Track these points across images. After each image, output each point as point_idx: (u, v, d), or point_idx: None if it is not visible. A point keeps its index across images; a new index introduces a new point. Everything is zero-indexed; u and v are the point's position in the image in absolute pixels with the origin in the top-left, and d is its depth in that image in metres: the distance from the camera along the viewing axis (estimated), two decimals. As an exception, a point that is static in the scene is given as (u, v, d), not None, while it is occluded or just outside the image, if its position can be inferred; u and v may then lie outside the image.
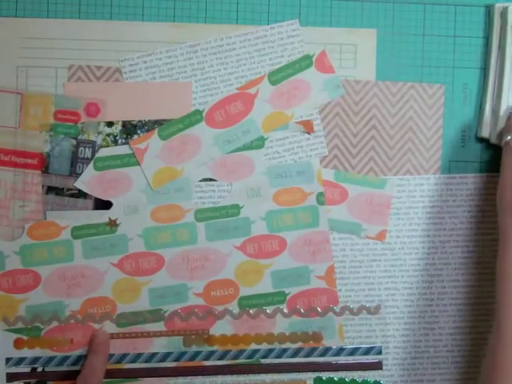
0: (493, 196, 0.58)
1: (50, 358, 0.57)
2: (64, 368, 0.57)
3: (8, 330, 0.57)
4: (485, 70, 0.59)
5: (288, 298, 0.58)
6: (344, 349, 0.58)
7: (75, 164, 0.57)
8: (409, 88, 0.59)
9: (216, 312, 0.58)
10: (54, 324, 0.57)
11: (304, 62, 0.58)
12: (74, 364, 0.57)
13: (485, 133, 0.58)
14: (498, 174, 0.58)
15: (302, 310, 0.58)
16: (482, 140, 0.59)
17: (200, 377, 0.58)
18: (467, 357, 0.59)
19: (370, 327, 0.58)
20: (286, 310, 0.58)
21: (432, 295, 0.59)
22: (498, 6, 0.58)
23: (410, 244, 0.58)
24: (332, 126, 0.58)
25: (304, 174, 0.58)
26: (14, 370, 0.57)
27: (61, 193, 0.57)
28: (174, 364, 0.58)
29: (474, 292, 0.59)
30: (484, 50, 0.59)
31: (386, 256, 0.58)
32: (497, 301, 0.49)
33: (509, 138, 0.48)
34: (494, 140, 0.57)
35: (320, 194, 0.58)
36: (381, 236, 0.58)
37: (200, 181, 0.58)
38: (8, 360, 0.57)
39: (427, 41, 0.59)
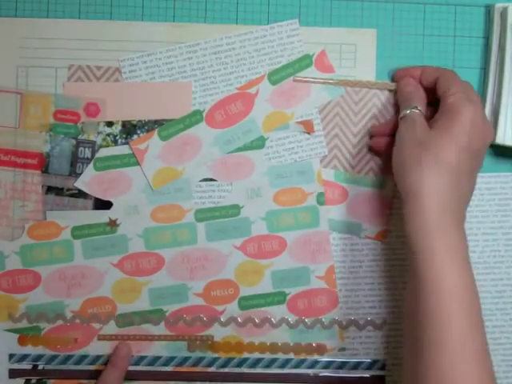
0: (493, 196, 0.58)
1: (53, 357, 0.57)
2: (65, 367, 0.57)
3: (8, 330, 0.57)
4: (485, 69, 0.59)
5: (288, 298, 0.58)
6: (347, 362, 0.58)
7: (75, 164, 0.57)
8: (409, 88, 0.59)
9: (222, 319, 0.58)
10: (54, 324, 0.57)
11: (304, 62, 0.58)
12: (76, 363, 0.57)
13: (485, 133, 0.58)
14: (498, 174, 0.59)
15: (308, 322, 0.58)
16: (481, 140, 0.59)
17: (200, 382, 0.58)
18: (467, 357, 0.59)
19: (371, 328, 0.58)
20: (291, 321, 0.58)
21: (432, 295, 0.59)
22: (498, 6, 0.58)
23: (409, 244, 0.58)
24: (332, 125, 0.58)
25: (304, 174, 0.58)
26: (16, 366, 0.57)
27: (61, 193, 0.57)
28: (176, 368, 0.58)
29: (474, 292, 0.59)
30: (484, 50, 0.59)
31: (386, 256, 0.58)
32: (417, 260, 0.47)
33: (407, 111, 0.52)
34: (494, 140, 0.57)
35: (320, 194, 0.58)
36: (381, 236, 0.58)
37: (200, 181, 0.58)
38: (11, 356, 0.57)
39: (427, 41, 0.59)
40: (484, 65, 0.59)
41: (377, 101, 0.58)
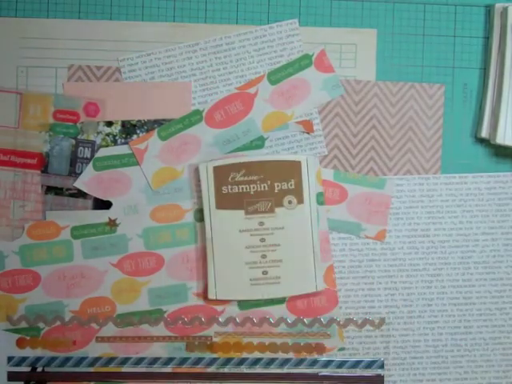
0: (493, 196, 0.58)
1: (52, 359, 0.57)
2: (64, 369, 0.57)
3: (8, 330, 0.57)
4: (485, 70, 0.59)
5: (288, 298, 0.58)
6: (346, 361, 0.58)
7: (74, 164, 0.57)
8: (409, 88, 0.59)
9: (220, 320, 0.58)
10: (54, 324, 0.57)
11: (303, 62, 0.58)
12: (75, 365, 0.57)
13: (485, 133, 0.58)
14: (498, 173, 0.59)
15: (307, 321, 0.58)
16: (481, 140, 0.59)
17: (200, 382, 0.58)
18: (467, 357, 0.59)
19: (369, 327, 0.58)
20: (289, 320, 0.58)
21: (431, 295, 0.59)
22: (498, 6, 0.58)
23: (409, 244, 0.58)
24: (332, 125, 0.58)
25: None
26: (15, 369, 0.57)
27: (60, 193, 0.57)
28: (175, 369, 0.58)
29: (474, 292, 0.59)
30: (484, 50, 0.59)
31: (386, 256, 0.58)
32: None
33: None
34: (493, 140, 0.57)
35: (320, 194, 0.58)
36: (380, 236, 0.58)
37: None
38: (10, 359, 0.57)
39: (427, 41, 0.59)
40: (484, 65, 0.59)
41: (377, 101, 0.58)
